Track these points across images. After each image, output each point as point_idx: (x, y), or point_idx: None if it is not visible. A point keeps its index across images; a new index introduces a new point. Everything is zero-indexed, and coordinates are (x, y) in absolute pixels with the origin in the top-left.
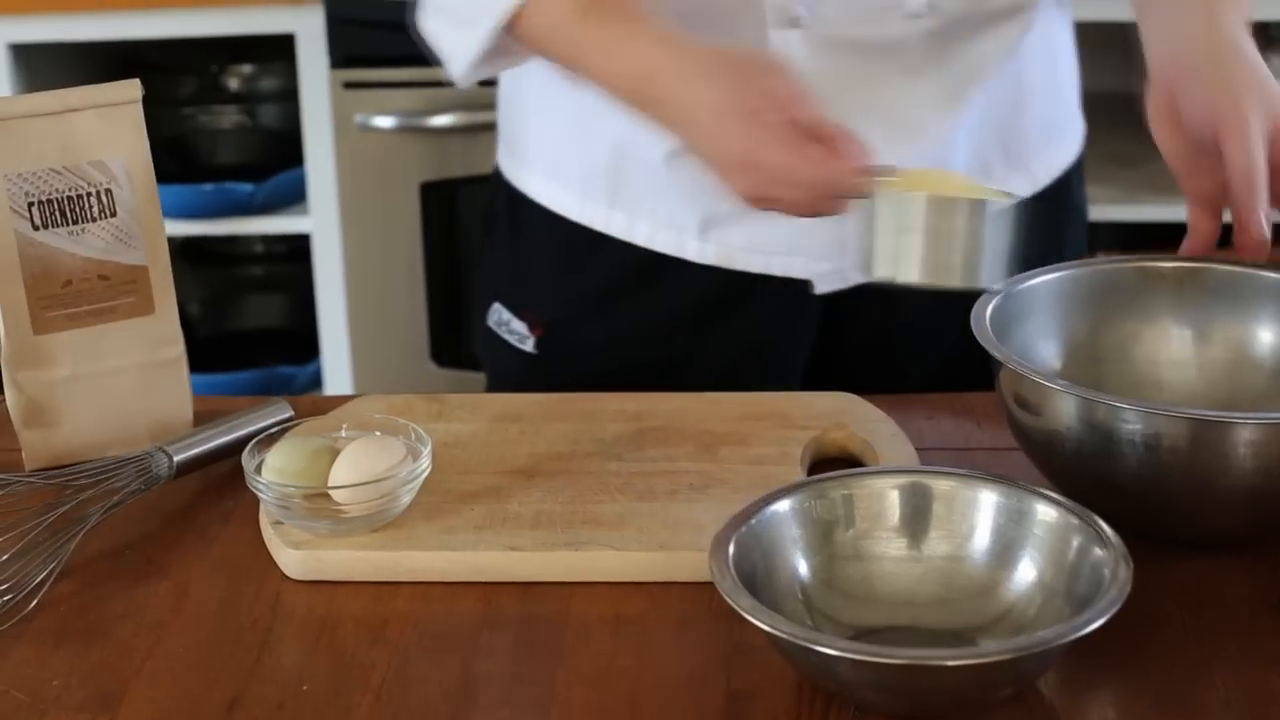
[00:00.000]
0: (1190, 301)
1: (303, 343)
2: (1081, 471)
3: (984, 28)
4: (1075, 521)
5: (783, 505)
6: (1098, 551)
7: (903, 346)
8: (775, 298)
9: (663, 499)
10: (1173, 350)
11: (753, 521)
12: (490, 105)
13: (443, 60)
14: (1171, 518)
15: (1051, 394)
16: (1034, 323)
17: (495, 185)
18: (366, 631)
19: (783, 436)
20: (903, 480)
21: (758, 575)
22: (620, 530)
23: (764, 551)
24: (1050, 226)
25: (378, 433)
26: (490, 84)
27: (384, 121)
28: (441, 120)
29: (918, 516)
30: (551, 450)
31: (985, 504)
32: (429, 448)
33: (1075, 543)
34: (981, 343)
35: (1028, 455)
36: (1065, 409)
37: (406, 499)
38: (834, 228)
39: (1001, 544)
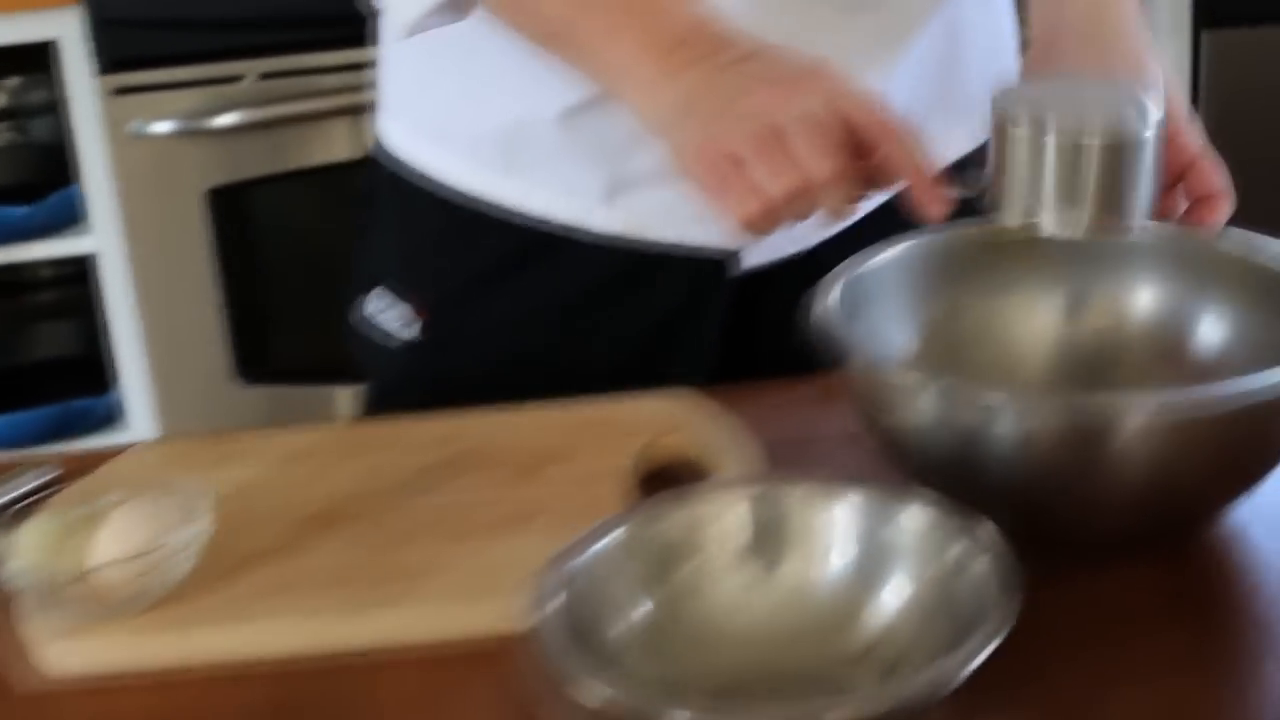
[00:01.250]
0: (1057, 268)
1: (101, 370)
2: (949, 475)
3: None
4: (952, 526)
5: (611, 539)
6: (980, 560)
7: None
8: (686, 273)
9: (479, 537)
10: (1040, 326)
11: (578, 562)
12: (278, 99)
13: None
14: (1057, 521)
15: (904, 389)
16: (885, 304)
17: (375, 161)
18: None
19: (611, 448)
20: (747, 493)
21: (590, 625)
22: (431, 579)
23: (595, 596)
24: None
25: (149, 494)
26: (280, 76)
27: (161, 127)
28: (226, 120)
29: (768, 535)
30: (351, 489)
31: (845, 513)
32: (208, 503)
33: (954, 552)
34: (818, 332)
35: (890, 460)
36: (923, 406)
37: (184, 568)
38: None
39: (868, 560)
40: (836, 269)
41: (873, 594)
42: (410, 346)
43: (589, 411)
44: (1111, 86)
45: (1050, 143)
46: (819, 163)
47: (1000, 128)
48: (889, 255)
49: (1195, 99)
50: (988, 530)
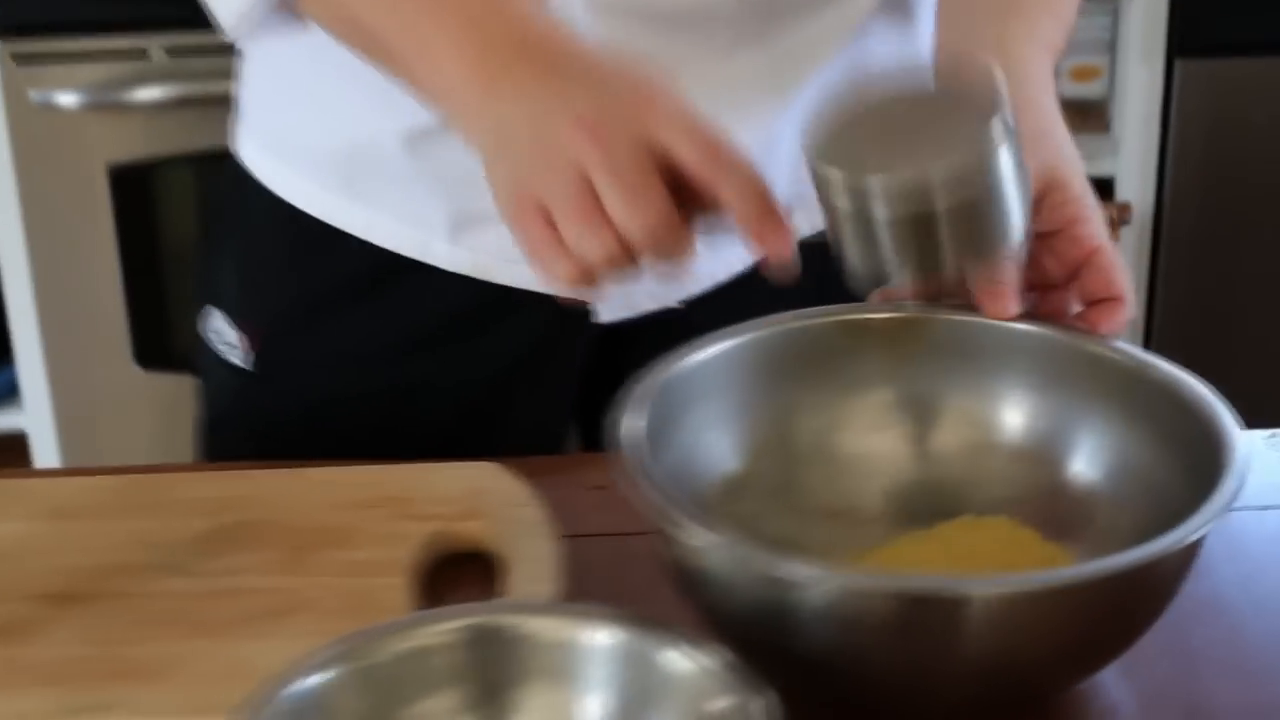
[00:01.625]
0: (909, 365)
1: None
2: (752, 640)
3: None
4: (722, 682)
5: (319, 677)
6: (730, 707)
7: None
8: (540, 319)
9: (225, 633)
10: (888, 441)
11: (279, 705)
12: (188, 77)
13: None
14: (876, 700)
15: (697, 549)
16: (704, 411)
17: (227, 167)
18: None
19: (395, 533)
20: (477, 624)
21: None
22: (157, 684)
23: None
24: None
25: None
26: (191, 53)
27: (65, 99)
28: (133, 95)
29: (499, 677)
30: (104, 561)
31: (596, 654)
32: None
33: (719, 708)
34: (615, 452)
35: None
36: (718, 569)
37: None
38: None
39: (630, 707)
40: (647, 370)
41: None
42: (240, 376)
43: (385, 482)
44: (944, 99)
45: (880, 215)
46: (633, 218)
47: (820, 186)
48: (710, 352)
49: (1166, 129)
50: (764, 701)
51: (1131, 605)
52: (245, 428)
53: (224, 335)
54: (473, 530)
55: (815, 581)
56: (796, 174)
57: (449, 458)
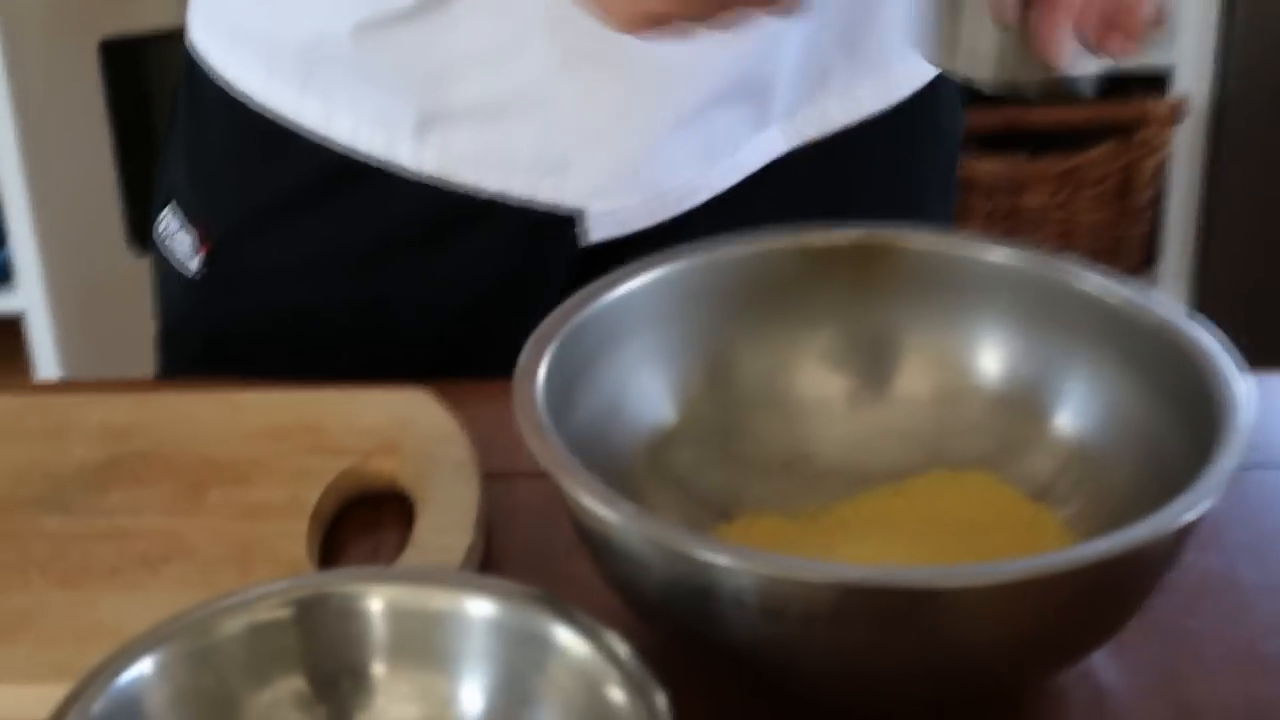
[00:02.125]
0: (874, 298)
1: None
2: (676, 628)
3: None
4: (596, 656)
5: (147, 666)
6: (618, 704)
7: None
8: (518, 231)
9: (95, 583)
10: (846, 380)
11: (97, 709)
12: None
13: None
14: (815, 696)
15: (609, 525)
16: (630, 351)
17: (184, 50)
18: None
19: (304, 468)
20: (326, 595)
21: None
22: (10, 643)
23: None
24: (908, 155)
25: None
26: None
27: None
28: None
29: (352, 657)
30: None
31: (478, 632)
32: None
33: (596, 689)
34: (521, 424)
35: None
36: (636, 550)
37: None
38: (616, 141)
39: (507, 696)
40: (565, 304)
41: None
42: (192, 284)
43: (301, 408)
44: None
45: None
46: None
47: None
48: (641, 280)
49: (1230, 16)
50: (636, 669)
51: (1121, 588)
52: (197, 341)
53: (177, 238)
54: (387, 468)
55: (736, 571)
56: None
57: (413, 382)
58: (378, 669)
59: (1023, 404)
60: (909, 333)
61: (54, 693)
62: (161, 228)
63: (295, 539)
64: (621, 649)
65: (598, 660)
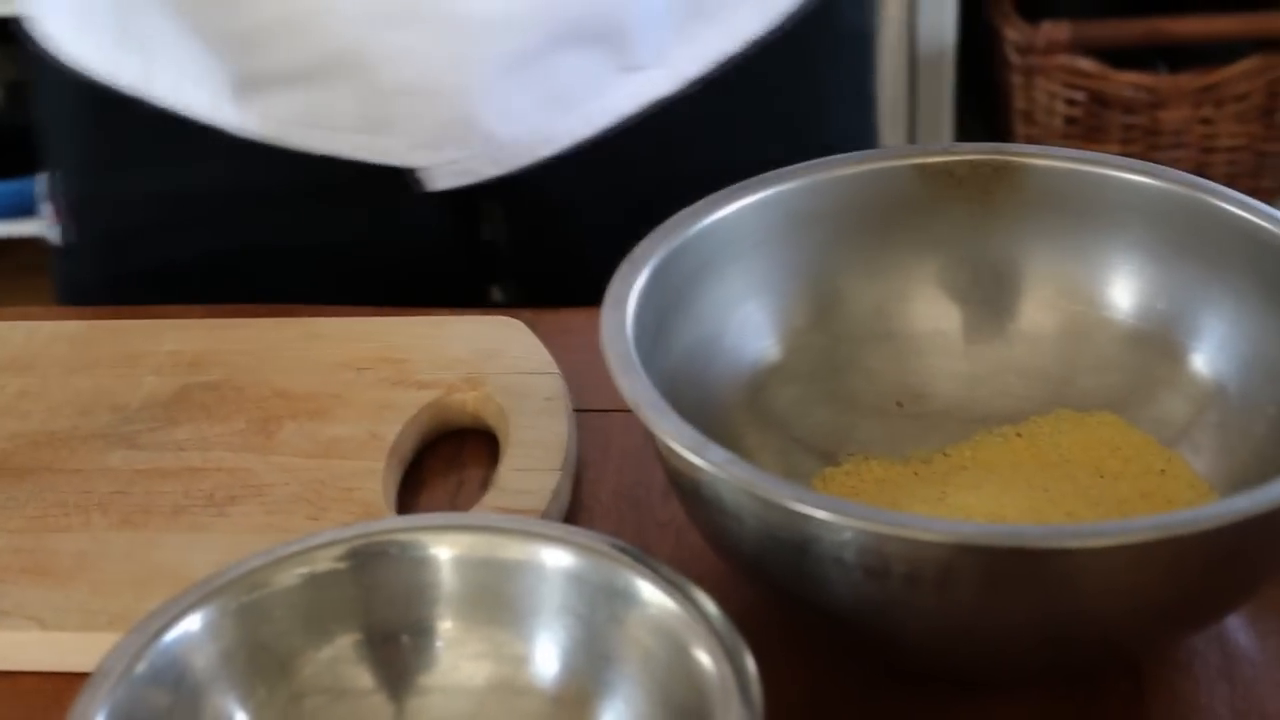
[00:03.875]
0: (995, 223)
1: None
2: (776, 586)
3: None
4: (682, 614)
5: (195, 622)
6: (703, 666)
7: (571, 252)
8: (359, 182)
9: (157, 524)
10: (963, 312)
11: (139, 670)
12: None
13: None
14: (919, 664)
15: (705, 475)
16: (732, 280)
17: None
18: None
19: (385, 400)
20: (383, 542)
21: None
22: (67, 587)
23: (171, 707)
24: (809, 73)
25: None
26: None
27: None
28: None
29: (437, 612)
30: (49, 426)
31: (554, 586)
32: None
33: (681, 650)
34: (609, 359)
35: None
36: (725, 494)
37: None
38: (440, 96)
39: (586, 654)
40: (659, 229)
41: (592, 702)
42: (59, 255)
43: (386, 336)
44: None
45: None
46: None
47: None
48: (740, 204)
49: None
50: (722, 623)
51: (1262, 549)
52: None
53: (42, 209)
54: (473, 403)
55: (837, 526)
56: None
57: None
58: (445, 625)
59: (1157, 340)
60: (1033, 261)
61: (108, 641)
62: (38, 190)
63: (372, 478)
64: (710, 607)
65: (683, 618)
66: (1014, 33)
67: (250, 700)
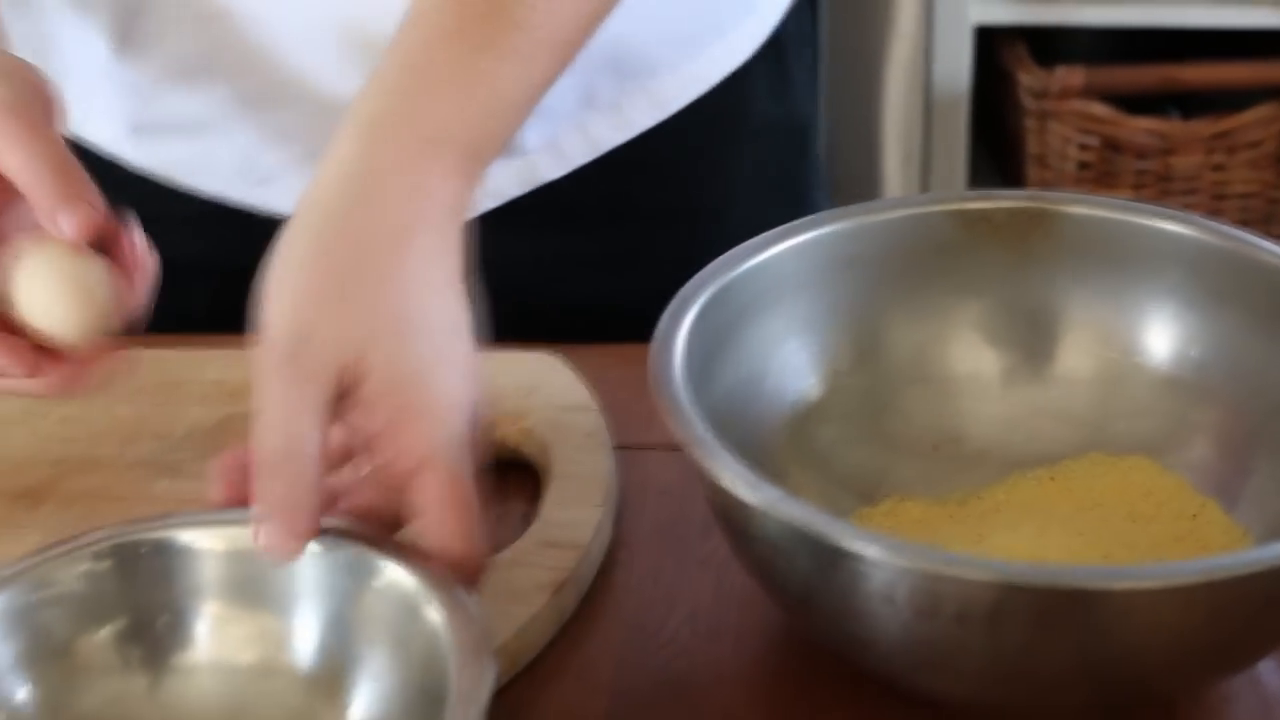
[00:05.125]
0: (1033, 268)
1: None
2: (814, 618)
3: None
4: (415, 583)
5: None
6: (436, 625)
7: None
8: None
9: None
10: (1001, 356)
11: None
12: None
13: None
14: (959, 696)
15: (750, 509)
16: (775, 320)
17: None
18: None
19: None
20: (128, 543)
21: None
22: None
23: None
24: (704, 161)
25: None
26: None
27: None
28: None
29: (201, 600)
30: (93, 453)
31: (307, 570)
32: None
33: (416, 613)
34: (659, 398)
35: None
36: (774, 529)
37: None
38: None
39: (336, 631)
40: (706, 270)
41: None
42: None
43: None
44: None
45: None
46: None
47: None
48: (786, 245)
49: None
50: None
51: None
52: None
53: None
54: (512, 437)
55: (888, 565)
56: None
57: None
58: (209, 612)
59: (1191, 387)
60: (1070, 306)
61: None
62: None
63: None
64: (439, 576)
65: (416, 587)
66: (1028, 78)
67: (34, 679)
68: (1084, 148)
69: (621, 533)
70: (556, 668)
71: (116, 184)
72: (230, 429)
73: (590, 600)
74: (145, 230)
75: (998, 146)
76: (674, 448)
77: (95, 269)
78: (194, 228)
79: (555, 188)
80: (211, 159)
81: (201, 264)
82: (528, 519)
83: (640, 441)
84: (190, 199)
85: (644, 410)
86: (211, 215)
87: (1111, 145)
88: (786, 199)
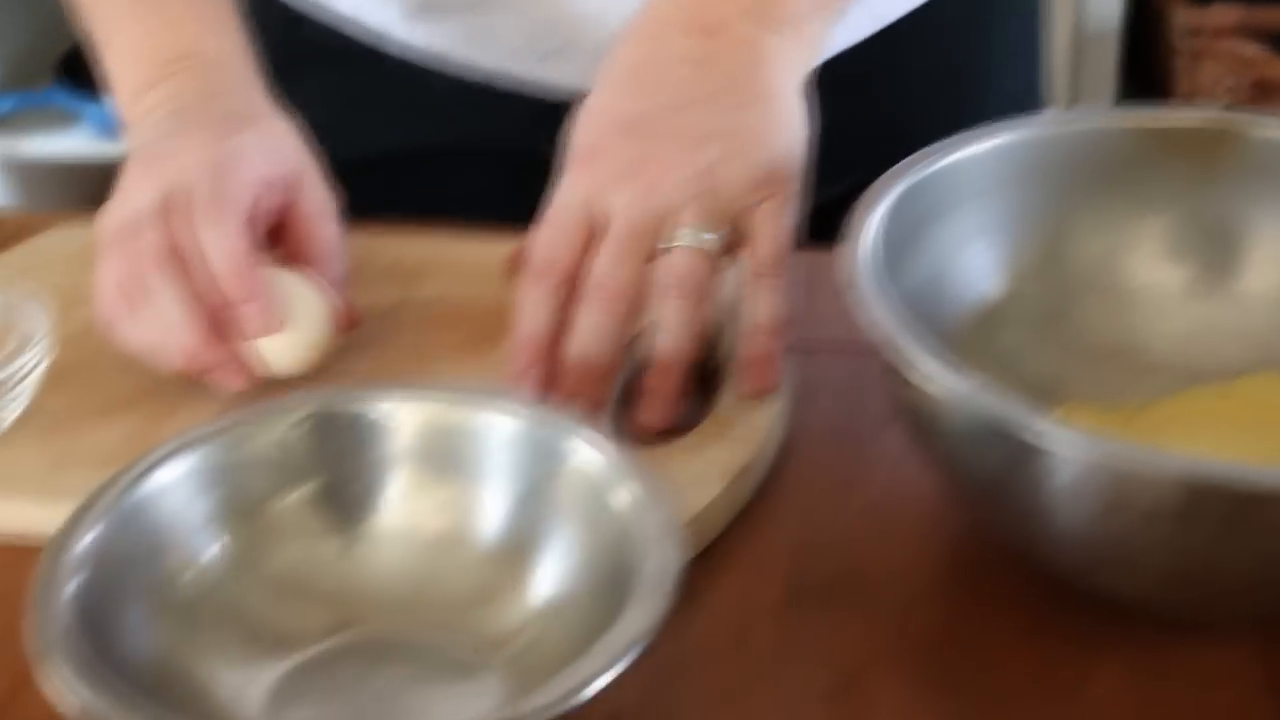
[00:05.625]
0: (1217, 186)
1: None
2: (996, 511)
3: None
4: (624, 477)
5: (179, 467)
6: (640, 527)
7: None
8: (516, 105)
9: None
10: (1183, 271)
11: (125, 501)
12: None
13: None
14: (1137, 596)
15: (939, 397)
16: (962, 221)
17: None
18: None
19: None
20: (333, 412)
21: (136, 585)
22: None
23: (145, 549)
24: (973, 31)
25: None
26: None
27: None
28: None
29: (391, 470)
30: None
31: (499, 445)
32: (43, 330)
33: (604, 497)
34: (851, 270)
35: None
36: (964, 418)
37: (9, 412)
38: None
39: (524, 508)
40: (894, 170)
41: (530, 558)
42: None
43: None
44: None
45: None
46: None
47: None
48: (974, 150)
49: None
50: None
51: None
52: None
53: None
54: None
55: (1083, 459)
56: None
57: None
58: (398, 482)
59: None
60: (1254, 225)
61: None
62: None
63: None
64: (630, 459)
65: (608, 470)
66: (1181, 15)
67: (224, 538)
68: (1234, 89)
69: (793, 430)
70: (733, 557)
71: (374, 66)
72: (406, 313)
73: (764, 493)
74: (406, 115)
75: (1146, 86)
76: (843, 350)
77: (317, 310)
78: (464, 105)
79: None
80: (494, 34)
81: (462, 147)
82: (703, 414)
83: (810, 343)
84: (455, 80)
85: (813, 312)
86: (478, 95)
87: (1261, 86)
88: (1033, 71)
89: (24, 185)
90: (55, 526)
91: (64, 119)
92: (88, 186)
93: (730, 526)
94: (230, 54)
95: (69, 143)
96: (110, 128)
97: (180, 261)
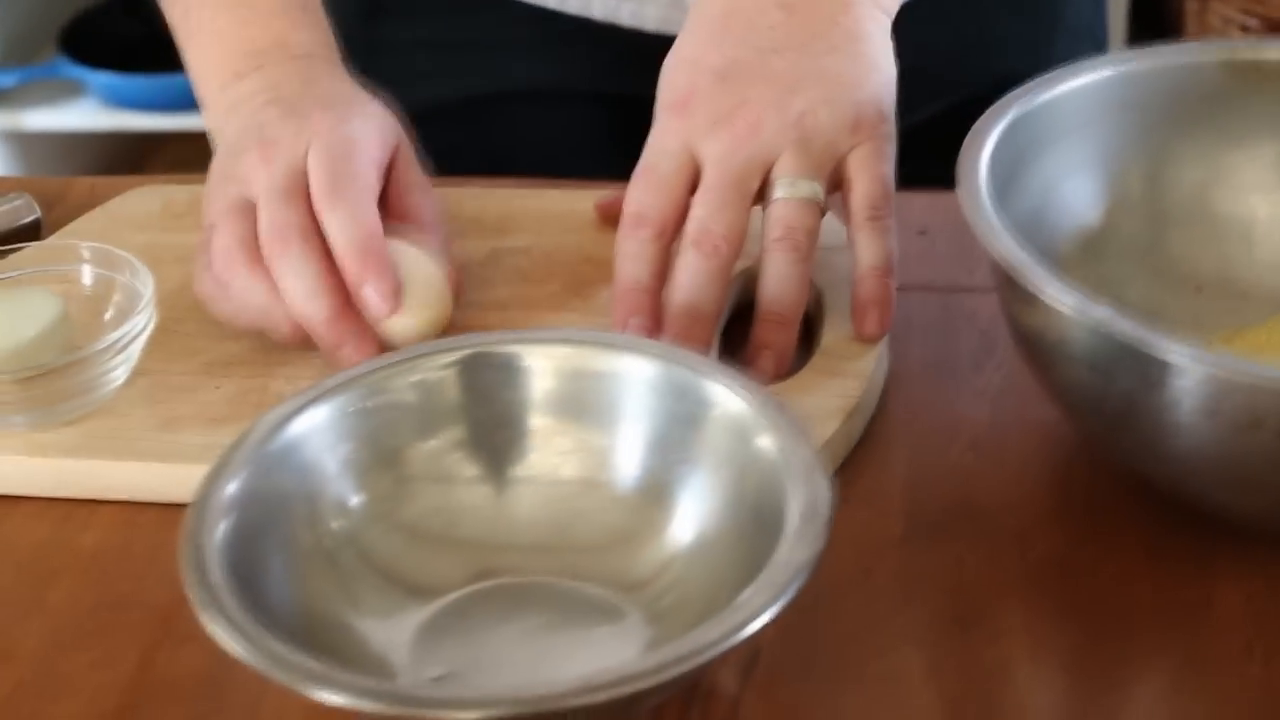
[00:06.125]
0: None
1: None
2: (1110, 427)
3: None
4: (750, 411)
5: (318, 414)
6: (785, 465)
7: None
8: (600, 44)
9: None
10: (1273, 203)
11: (266, 449)
12: None
13: None
14: (1253, 518)
15: (1053, 312)
16: (1063, 155)
17: None
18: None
19: None
20: (508, 353)
21: (278, 533)
22: None
23: (287, 494)
24: None
25: (85, 264)
26: None
27: None
28: None
29: (531, 414)
30: None
31: (637, 389)
32: (150, 291)
33: (749, 441)
34: (975, 223)
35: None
36: (1099, 344)
37: (118, 374)
38: None
39: (663, 451)
40: (1004, 99)
41: (669, 498)
42: None
43: None
44: None
45: None
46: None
47: None
48: (1072, 85)
49: None
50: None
51: None
52: None
53: None
54: None
55: (1211, 376)
56: None
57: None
58: (538, 425)
59: None
60: None
61: None
62: None
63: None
64: (772, 401)
65: (750, 414)
66: None
67: (364, 485)
68: (1245, 29)
69: (893, 369)
70: (848, 494)
71: (458, 8)
72: (493, 263)
73: (872, 430)
74: (494, 58)
75: (1155, 27)
76: (933, 288)
77: (439, 283)
78: (551, 47)
79: None
80: None
81: (544, 89)
82: (805, 354)
83: (901, 282)
84: (539, 20)
85: (904, 252)
86: (561, 37)
87: (1273, 27)
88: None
89: (30, 158)
90: (169, 487)
91: (68, 90)
92: (94, 158)
93: (844, 463)
94: (318, 45)
95: (74, 115)
96: (115, 98)
97: (310, 239)
